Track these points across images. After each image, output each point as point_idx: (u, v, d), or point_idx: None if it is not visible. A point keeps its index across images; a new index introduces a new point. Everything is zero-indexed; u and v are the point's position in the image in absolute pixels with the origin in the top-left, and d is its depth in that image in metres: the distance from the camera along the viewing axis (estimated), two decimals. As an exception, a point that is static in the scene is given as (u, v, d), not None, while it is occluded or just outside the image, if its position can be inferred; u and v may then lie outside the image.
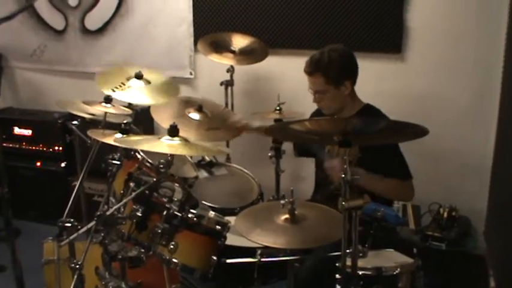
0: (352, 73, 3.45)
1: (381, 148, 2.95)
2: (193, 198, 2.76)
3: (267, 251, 2.79)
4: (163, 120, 3.61)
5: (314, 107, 3.70)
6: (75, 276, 2.81)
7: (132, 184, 2.69)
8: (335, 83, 3.37)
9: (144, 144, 2.64)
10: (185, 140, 2.60)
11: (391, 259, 2.81)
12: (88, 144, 3.47)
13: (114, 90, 3.37)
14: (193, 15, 5.03)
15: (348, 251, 2.31)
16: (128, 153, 3.15)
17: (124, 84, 3.47)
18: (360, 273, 2.56)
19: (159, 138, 2.61)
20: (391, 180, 3.31)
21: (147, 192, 2.60)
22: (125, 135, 2.96)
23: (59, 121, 5.27)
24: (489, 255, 3.97)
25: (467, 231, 4.26)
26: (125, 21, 5.35)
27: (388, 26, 4.34)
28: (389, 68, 4.46)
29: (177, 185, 2.79)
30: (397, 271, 2.65)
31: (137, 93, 3.51)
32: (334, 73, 3.36)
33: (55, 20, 5.65)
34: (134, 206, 2.58)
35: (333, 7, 4.50)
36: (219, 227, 2.74)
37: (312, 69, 3.40)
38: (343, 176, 2.21)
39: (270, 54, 4.50)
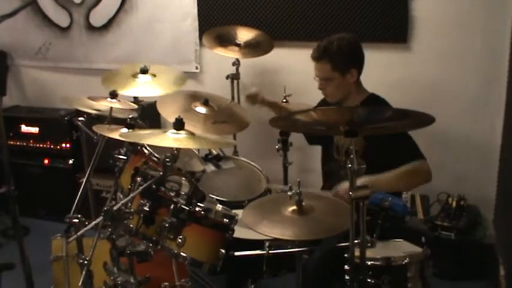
0: (358, 62, 3.42)
1: (385, 137, 2.94)
2: (200, 191, 2.75)
3: (276, 243, 2.78)
4: (169, 114, 3.60)
5: (320, 98, 3.69)
6: (84, 272, 2.81)
7: (139, 179, 2.69)
8: (341, 70, 3.35)
9: (150, 138, 2.64)
10: (191, 134, 2.61)
11: (400, 249, 2.80)
12: (94, 140, 3.47)
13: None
14: (198, 9, 5.03)
15: (356, 241, 2.30)
16: (134, 148, 3.15)
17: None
18: (369, 263, 2.56)
19: (165, 132, 2.61)
20: (400, 169, 3.17)
21: (154, 186, 2.59)
22: (130, 130, 2.96)
23: (66, 118, 5.27)
24: (498, 244, 3.96)
25: (476, 220, 4.26)
26: (130, 17, 5.35)
27: (393, 15, 4.33)
28: (395, 57, 4.45)
29: (184, 178, 2.78)
30: (406, 261, 2.65)
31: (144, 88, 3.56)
32: (341, 61, 3.34)
33: (60, 17, 5.65)
34: (141, 201, 2.58)
35: (337, -2, 4.49)
36: (227, 220, 2.73)
37: (319, 55, 3.37)
38: (349, 165, 2.20)
39: (276, 47, 4.50)
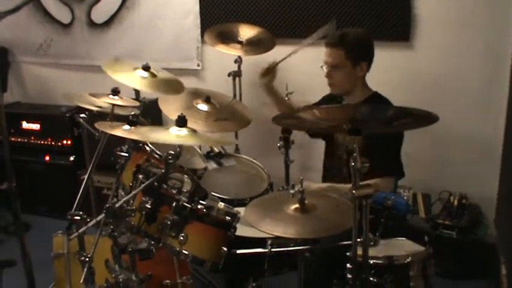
0: (370, 57, 3.45)
1: (382, 137, 2.93)
2: (203, 189, 2.75)
3: (278, 241, 2.77)
4: (171, 111, 3.60)
5: (322, 95, 3.68)
6: (85, 269, 2.81)
7: (140, 176, 2.69)
8: (353, 60, 3.36)
9: (152, 135, 2.64)
10: (193, 131, 2.60)
11: (402, 248, 2.80)
12: (96, 137, 3.47)
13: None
14: (200, 6, 5.02)
15: (358, 240, 2.29)
16: (136, 145, 3.14)
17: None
18: (371, 262, 2.55)
19: (167, 129, 2.60)
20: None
21: (156, 184, 2.59)
22: (132, 127, 2.95)
23: (67, 115, 5.27)
24: (500, 243, 3.96)
25: (478, 218, 4.26)
26: (131, 14, 5.34)
27: (396, 13, 4.32)
28: (398, 56, 4.43)
29: (186, 176, 2.78)
30: (408, 260, 2.64)
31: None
32: (355, 51, 3.36)
33: (61, 13, 5.64)
34: (143, 198, 2.58)
35: (340, -4, 4.48)
36: (229, 218, 2.73)
37: (335, 41, 3.38)
38: (352, 164, 2.20)
39: (278, 44, 4.49)
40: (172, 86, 3.62)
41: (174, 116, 2.65)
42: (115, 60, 3.86)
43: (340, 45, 3.37)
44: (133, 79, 3.45)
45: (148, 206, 2.55)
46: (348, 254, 2.50)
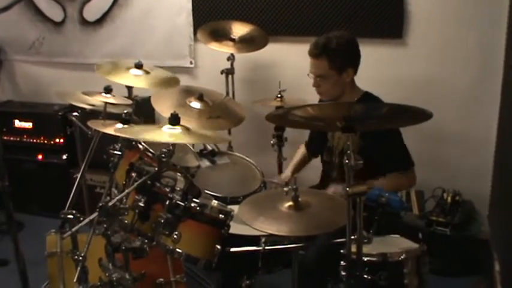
0: (355, 61, 3.41)
1: (381, 136, 2.94)
2: (196, 187, 2.74)
3: (271, 239, 2.77)
4: (164, 109, 3.58)
5: (316, 94, 3.68)
6: (79, 268, 2.80)
7: (134, 174, 2.68)
8: (338, 69, 3.33)
9: (146, 134, 2.63)
10: (186, 129, 2.59)
11: (396, 245, 2.79)
12: (89, 135, 3.46)
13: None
14: (192, 4, 5.01)
15: (352, 237, 2.29)
16: (129, 144, 3.13)
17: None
18: (365, 259, 2.55)
19: (160, 127, 2.59)
20: (390, 177, 3.31)
21: (149, 182, 2.58)
22: (125, 126, 2.94)
23: (60, 113, 5.25)
24: (493, 239, 3.97)
25: (471, 215, 4.26)
26: (124, 12, 5.32)
27: (388, 10, 4.32)
28: (390, 53, 4.44)
29: (179, 174, 2.77)
30: (402, 257, 2.63)
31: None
32: (339, 59, 3.32)
33: (53, 11, 5.62)
34: (136, 197, 2.57)
35: (332, -8, 4.48)
36: (223, 216, 2.72)
37: (317, 52, 3.35)
38: (346, 161, 2.19)
39: (270, 42, 4.48)
40: (168, 81, 3.64)
41: (167, 114, 2.64)
42: (107, 61, 3.86)
43: (322, 56, 3.33)
44: (128, 79, 3.46)
45: (141, 204, 2.55)
46: (342, 251, 2.51)
